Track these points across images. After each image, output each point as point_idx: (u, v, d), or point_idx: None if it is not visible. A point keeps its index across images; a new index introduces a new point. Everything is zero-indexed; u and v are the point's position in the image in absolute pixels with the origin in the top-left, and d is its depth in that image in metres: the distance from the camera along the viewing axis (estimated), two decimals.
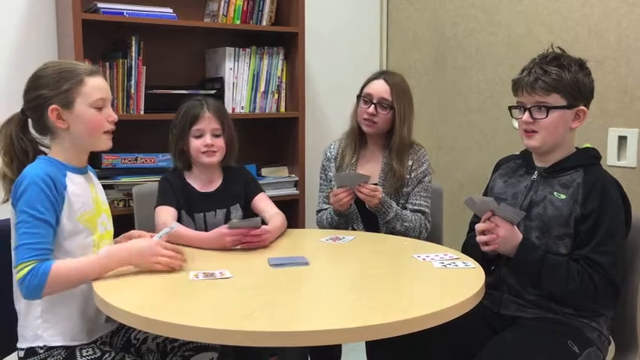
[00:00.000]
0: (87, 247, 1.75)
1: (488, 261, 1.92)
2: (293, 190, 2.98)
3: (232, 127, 2.27)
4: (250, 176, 2.38)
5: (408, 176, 2.39)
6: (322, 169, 2.54)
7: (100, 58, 2.58)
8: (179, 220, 2.17)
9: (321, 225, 2.49)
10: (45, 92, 1.69)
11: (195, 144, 2.19)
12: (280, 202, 2.48)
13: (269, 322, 1.37)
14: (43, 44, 2.63)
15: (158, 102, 2.65)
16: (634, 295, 1.88)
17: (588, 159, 1.89)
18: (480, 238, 1.83)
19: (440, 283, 1.69)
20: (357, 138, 2.46)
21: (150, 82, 2.64)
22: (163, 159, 2.64)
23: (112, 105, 2.45)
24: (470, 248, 1.98)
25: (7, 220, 1.74)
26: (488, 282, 1.74)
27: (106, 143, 1.80)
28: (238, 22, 2.85)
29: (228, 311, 1.46)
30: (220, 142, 2.21)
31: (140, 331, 1.85)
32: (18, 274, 1.59)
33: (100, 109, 1.74)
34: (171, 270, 1.72)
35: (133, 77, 2.58)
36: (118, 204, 2.59)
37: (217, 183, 2.27)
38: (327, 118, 3.33)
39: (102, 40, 2.64)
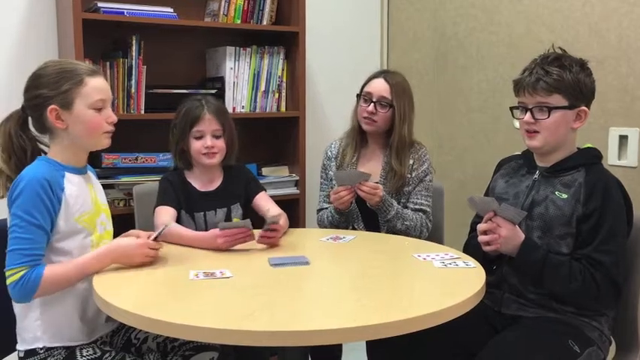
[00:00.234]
0: (86, 247, 1.75)
1: (489, 261, 1.92)
2: (293, 190, 2.98)
3: (233, 126, 2.27)
4: (251, 175, 2.38)
5: (409, 175, 2.39)
6: (323, 168, 2.54)
7: (100, 58, 2.58)
8: (178, 219, 2.17)
9: (321, 224, 2.49)
10: (44, 92, 1.69)
11: (196, 145, 2.18)
12: (281, 202, 2.47)
13: (269, 322, 1.37)
14: (44, 44, 2.64)
15: (158, 101, 2.65)
16: (635, 295, 1.88)
17: (590, 158, 1.89)
18: (481, 238, 1.83)
19: (440, 282, 1.69)
20: (358, 137, 2.46)
21: (150, 81, 2.64)
22: (164, 158, 2.64)
23: (113, 104, 2.45)
24: (471, 248, 1.98)
25: (7, 220, 1.74)
26: (489, 281, 1.74)
27: (104, 143, 1.79)
28: (239, 21, 2.85)
29: (228, 311, 1.46)
30: (221, 143, 2.20)
31: (140, 330, 1.85)
32: (9, 278, 1.60)
33: (99, 109, 1.74)
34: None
35: (133, 77, 2.58)
36: (118, 203, 2.59)
37: (218, 182, 2.27)
38: (328, 117, 3.33)
39: (102, 40, 2.64)
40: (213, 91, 2.79)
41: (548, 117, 1.82)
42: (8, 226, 1.65)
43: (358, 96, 2.44)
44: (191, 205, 2.21)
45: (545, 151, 1.90)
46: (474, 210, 1.91)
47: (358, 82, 2.48)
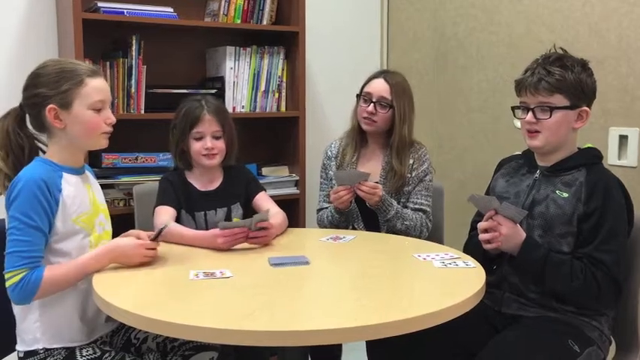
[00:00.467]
0: (84, 247, 1.74)
1: (489, 260, 1.92)
2: (293, 190, 2.98)
3: (232, 126, 2.26)
4: (251, 175, 2.38)
5: (408, 175, 2.39)
6: (323, 167, 2.54)
7: (100, 58, 2.58)
8: (179, 219, 2.17)
9: (321, 224, 2.48)
10: (43, 91, 1.69)
11: (196, 146, 2.18)
12: (281, 202, 2.47)
13: (269, 322, 1.37)
14: (44, 44, 2.64)
15: (158, 101, 2.65)
16: (635, 294, 1.88)
17: (590, 158, 1.89)
18: (482, 236, 1.83)
19: (440, 282, 1.68)
20: (358, 137, 2.46)
21: (150, 81, 2.64)
22: (164, 158, 2.64)
23: (113, 104, 2.46)
24: (472, 246, 1.98)
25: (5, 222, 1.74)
26: (489, 280, 1.74)
27: (102, 143, 1.79)
28: (239, 21, 2.85)
29: (228, 311, 1.46)
30: (221, 144, 2.20)
31: (140, 330, 1.85)
32: (8, 281, 1.60)
33: (98, 110, 1.73)
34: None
35: (133, 77, 2.58)
36: (118, 203, 2.59)
37: (218, 182, 2.27)
38: (328, 117, 3.33)
39: (102, 40, 2.64)
40: (213, 91, 2.79)
41: (550, 117, 1.82)
42: (6, 228, 1.65)
43: (358, 96, 2.44)
44: (191, 205, 2.21)
45: (546, 151, 1.90)
46: (476, 207, 1.91)
47: (358, 82, 2.48)
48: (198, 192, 2.23)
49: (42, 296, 1.65)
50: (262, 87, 2.91)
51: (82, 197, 1.76)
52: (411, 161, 2.40)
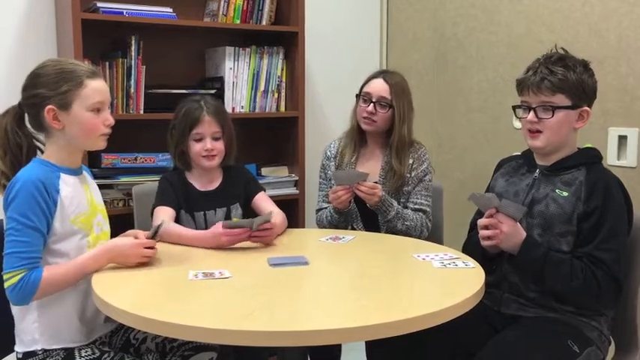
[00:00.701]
0: (82, 248, 1.74)
1: (488, 259, 1.92)
2: (293, 190, 2.98)
3: (231, 127, 2.26)
4: (250, 175, 2.38)
5: (408, 175, 2.39)
6: (322, 168, 2.54)
7: (99, 58, 2.58)
8: (178, 219, 2.17)
9: (320, 224, 2.48)
10: (43, 92, 1.68)
11: (195, 148, 2.18)
12: (280, 202, 2.47)
13: (269, 322, 1.37)
14: (43, 44, 2.63)
15: (158, 101, 2.65)
16: (634, 295, 1.88)
17: (590, 158, 1.90)
18: (482, 233, 1.83)
19: (440, 282, 1.68)
20: (357, 137, 2.46)
21: (149, 81, 2.64)
22: (163, 158, 2.64)
23: (112, 105, 2.46)
24: (471, 246, 1.98)
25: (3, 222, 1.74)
26: (489, 280, 1.74)
27: (100, 145, 1.78)
28: (238, 21, 2.85)
29: (227, 311, 1.46)
30: (220, 145, 2.20)
31: (139, 331, 1.84)
32: (7, 282, 1.60)
33: (97, 111, 1.73)
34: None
35: (132, 77, 2.57)
36: (117, 204, 2.59)
37: (217, 182, 2.27)
38: (327, 117, 3.33)
39: (101, 40, 2.63)
40: (213, 91, 2.79)
41: (552, 116, 1.82)
42: (4, 228, 1.65)
43: (357, 96, 2.44)
44: (191, 205, 2.21)
45: (547, 152, 1.90)
46: (476, 205, 1.90)
47: (358, 82, 2.48)
48: (197, 192, 2.23)
49: (41, 297, 1.64)
50: (262, 87, 2.91)
51: (79, 198, 1.75)
52: (410, 161, 2.40)
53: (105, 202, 1.92)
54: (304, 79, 2.94)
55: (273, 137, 3.09)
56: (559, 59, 1.84)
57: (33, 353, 1.70)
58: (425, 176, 2.41)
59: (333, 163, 2.49)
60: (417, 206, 2.38)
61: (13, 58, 2.58)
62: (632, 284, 1.88)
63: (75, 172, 1.78)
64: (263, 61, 2.90)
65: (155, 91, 2.65)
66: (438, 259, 1.85)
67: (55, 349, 1.71)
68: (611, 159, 2.45)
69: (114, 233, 1.89)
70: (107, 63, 2.56)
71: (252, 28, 2.89)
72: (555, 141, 1.86)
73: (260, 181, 2.47)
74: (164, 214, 2.12)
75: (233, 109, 2.83)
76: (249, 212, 2.27)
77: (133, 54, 2.57)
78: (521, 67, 1.92)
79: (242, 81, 2.86)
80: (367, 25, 3.50)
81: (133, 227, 2.18)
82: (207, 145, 2.17)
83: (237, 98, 2.85)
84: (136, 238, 1.78)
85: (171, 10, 2.66)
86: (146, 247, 1.76)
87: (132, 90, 2.58)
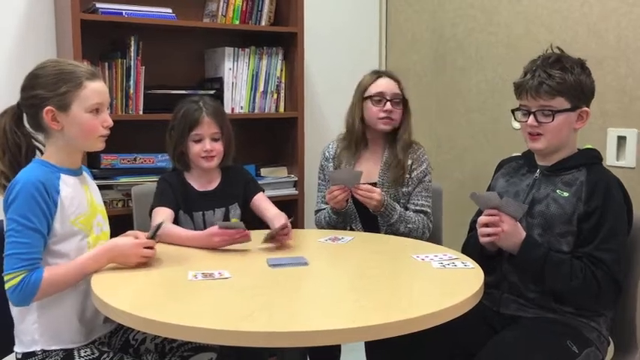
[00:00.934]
0: (82, 249, 1.74)
1: (487, 258, 1.92)
2: (292, 191, 2.98)
3: (230, 127, 2.26)
4: (249, 176, 2.38)
5: (407, 176, 2.39)
6: (320, 169, 2.54)
7: (98, 59, 2.58)
8: (176, 219, 2.17)
9: (319, 225, 2.48)
10: (41, 92, 1.68)
11: (195, 149, 2.18)
12: (279, 202, 2.47)
13: (268, 323, 1.37)
14: (42, 44, 2.63)
15: (157, 102, 2.65)
16: (633, 295, 1.89)
17: (591, 158, 1.90)
18: (482, 231, 1.82)
19: (439, 283, 1.68)
20: (357, 138, 2.44)
21: (149, 82, 2.63)
22: (162, 159, 2.63)
23: (111, 105, 2.45)
24: (471, 247, 1.98)
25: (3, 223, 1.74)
26: (488, 281, 1.74)
27: (99, 146, 1.78)
28: (237, 22, 2.85)
29: (226, 311, 1.46)
30: (219, 146, 2.20)
31: (139, 331, 1.84)
32: (8, 283, 1.60)
33: (96, 112, 1.73)
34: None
35: (131, 77, 2.57)
36: (116, 204, 2.59)
37: (216, 182, 2.27)
38: (326, 118, 3.33)
39: (101, 41, 2.63)
40: (212, 92, 2.79)
41: (553, 121, 1.82)
42: (5, 230, 1.65)
43: (363, 99, 2.41)
44: (190, 205, 2.21)
45: (548, 153, 1.90)
46: (477, 205, 1.90)
47: (357, 82, 2.48)
48: (196, 192, 2.23)
49: (41, 297, 1.64)
50: (261, 88, 2.91)
51: (79, 198, 1.75)
52: (409, 162, 2.40)
53: (104, 202, 1.92)
54: (303, 79, 2.94)
55: (272, 138, 3.09)
56: (556, 61, 1.83)
57: (32, 354, 1.70)
58: (424, 177, 2.41)
59: (331, 164, 2.49)
60: (418, 207, 2.38)
61: (13, 59, 2.58)
62: (631, 285, 1.88)
63: (75, 172, 1.78)
64: (262, 61, 2.90)
65: (154, 92, 2.65)
66: (437, 259, 1.86)
67: (55, 350, 1.71)
68: (610, 159, 2.45)
69: (113, 234, 1.89)
70: (106, 63, 2.56)
71: (251, 29, 2.89)
72: (556, 143, 1.86)
73: (259, 182, 2.47)
74: (162, 215, 2.12)
75: (232, 109, 2.83)
76: (248, 213, 2.28)
77: (132, 54, 2.57)
78: (520, 67, 1.92)
79: (241, 81, 2.86)
80: (366, 26, 3.50)
81: (132, 228, 2.18)
82: (207, 146, 2.17)
83: (237, 99, 2.85)
84: (136, 238, 1.78)
85: (170, 10, 2.66)
86: (145, 247, 1.76)
87: (131, 90, 2.58)
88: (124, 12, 2.54)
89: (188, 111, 2.19)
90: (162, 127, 2.30)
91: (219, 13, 2.82)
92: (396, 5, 3.48)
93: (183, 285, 1.64)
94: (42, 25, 2.64)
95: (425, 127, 3.24)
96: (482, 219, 1.83)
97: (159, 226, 1.82)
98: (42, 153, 1.78)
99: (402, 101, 2.41)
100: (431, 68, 3.28)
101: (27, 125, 1.77)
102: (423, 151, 2.46)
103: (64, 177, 1.73)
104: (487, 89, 2.99)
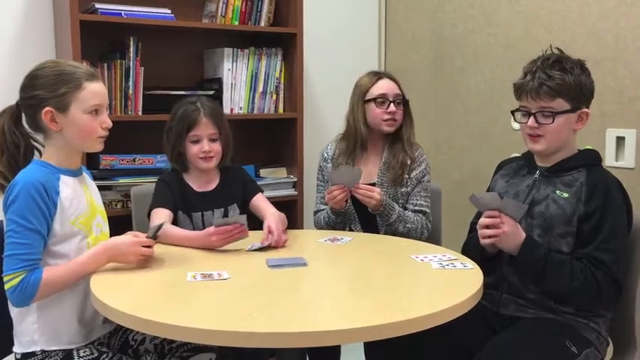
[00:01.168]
0: (82, 249, 1.74)
1: (487, 259, 1.92)
2: (291, 191, 2.98)
3: (228, 127, 2.26)
4: (248, 177, 2.38)
5: (406, 176, 2.39)
6: (319, 169, 2.54)
7: (97, 59, 2.58)
8: (175, 220, 2.17)
9: (318, 225, 2.48)
10: (40, 93, 1.68)
11: (193, 150, 2.18)
12: (278, 203, 2.47)
13: (267, 323, 1.37)
14: (41, 45, 2.63)
15: (156, 103, 2.64)
16: (632, 296, 1.88)
17: (590, 159, 1.90)
18: (483, 232, 1.82)
19: (438, 283, 1.68)
20: (362, 141, 2.42)
21: (148, 82, 2.63)
22: (161, 160, 2.63)
23: (110, 106, 2.45)
24: (471, 248, 1.98)
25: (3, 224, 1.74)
26: (487, 281, 1.74)
27: (97, 147, 1.78)
28: (236, 22, 2.85)
29: (226, 312, 1.46)
30: (217, 147, 2.20)
31: (138, 332, 1.84)
32: (7, 283, 1.60)
33: (95, 114, 1.73)
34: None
35: (130, 78, 2.57)
36: (115, 205, 2.58)
37: (215, 183, 2.27)
38: (326, 118, 3.33)
39: (100, 41, 2.63)
40: (211, 93, 2.79)
41: (553, 122, 1.82)
42: (4, 230, 1.65)
43: (365, 101, 2.40)
44: (188, 206, 2.21)
45: (548, 154, 1.90)
46: (477, 207, 1.90)
47: None
48: (195, 193, 2.23)
49: (41, 298, 1.64)
50: (260, 88, 2.91)
51: (79, 199, 1.75)
52: (408, 162, 2.40)
53: (103, 203, 1.92)
54: (303, 80, 2.94)
55: (271, 138, 3.09)
56: (556, 62, 1.83)
57: (32, 354, 1.70)
58: (423, 177, 2.41)
59: (330, 164, 2.49)
60: (416, 208, 2.38)
61: (12, 59, 2.58)
62: (630, 285, 1.88)
63: (74, 173, 1.78)
64: (261, 62, 2.90)
65: (153, 93, 2.65)
66: (437, 260, 1.86)
67: (54, 350, 1.71)
68: (609, 160, 2.46)
69: (113, 234, 1.88)
70: (105, 64, 2.56)
71: (250, 30, 2.89)
72: (556, 144, 1.86)
73: (258, 183, 2.46)
74: (161, 216, 2.12)
75: (231, 110, 2.83)
76: (248, 213, 2.27)
77: (131, 55, 2.57)
78: (519, 68, 1.92)
79: (240, 82, 2.86)
80: (366, 27, 3.50)
81: (131, 228, 2.18)
82: (205, 147, 2.17)
83: (236, 99, 2.85)
84: (135, 237, 1.78)
85: (169, 11, 2.66)
86: (144, 246, 1.76)
87: (130, 91, 2.58)
88: (123, 12, 2.54)
89: (186, 112, 2.19)
90: (161, 127, 2.30)
91: (219, 14, 2.82)
92: (395, 6, 3.48)
93: (182, 286, 1.64)
94: (41, 25, 2.64)
95: (424, 128, 3.24)
96: (483, 220, 1.83)
97: (160, 227, 1.82)
98: (40, 153, 1.78)
99: (403, 102, 2.41)
100: (430, 68, 3.29)
101: (25, 125, 1.76)
102: (422, 152, 2.46)
103: (63, 178, 1.72)
104: (486, 90, 3.00)
